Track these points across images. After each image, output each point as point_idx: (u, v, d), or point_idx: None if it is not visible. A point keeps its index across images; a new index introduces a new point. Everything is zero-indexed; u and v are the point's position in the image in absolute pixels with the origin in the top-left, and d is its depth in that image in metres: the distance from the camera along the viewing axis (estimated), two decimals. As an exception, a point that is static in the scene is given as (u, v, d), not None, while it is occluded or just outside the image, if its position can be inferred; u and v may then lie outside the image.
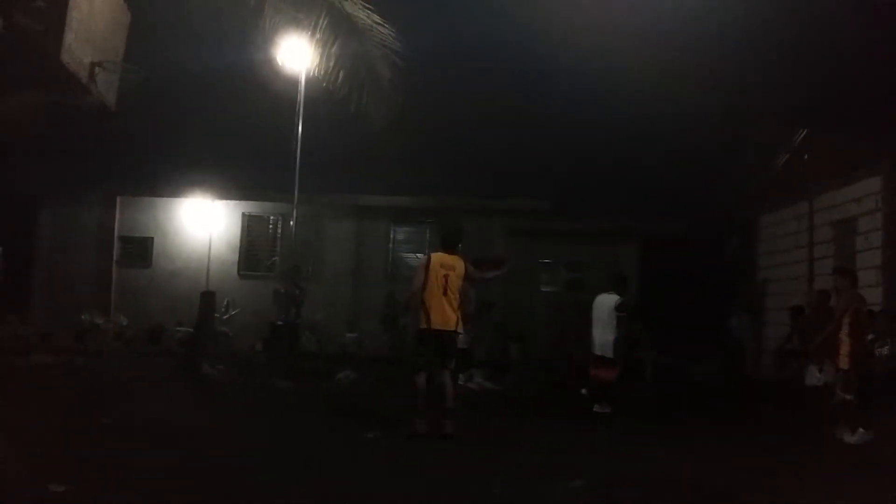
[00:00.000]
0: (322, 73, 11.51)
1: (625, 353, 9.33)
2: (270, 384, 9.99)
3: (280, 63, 12.09)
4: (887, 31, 10.13)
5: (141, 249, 16.40)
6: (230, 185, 15.71)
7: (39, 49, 9.34)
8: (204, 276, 15.71)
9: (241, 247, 16.48)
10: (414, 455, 6.13)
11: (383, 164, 15.39)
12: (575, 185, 15.73)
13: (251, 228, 16.64)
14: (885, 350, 8.49)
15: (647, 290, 15.04)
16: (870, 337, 8.20)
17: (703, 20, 12.54)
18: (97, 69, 10.31)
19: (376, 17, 10.28)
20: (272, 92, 12.91)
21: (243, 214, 16.52)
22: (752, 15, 12.44)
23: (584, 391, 9.48)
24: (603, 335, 8.99)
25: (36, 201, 15.71)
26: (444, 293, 6.74)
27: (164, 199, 16.33)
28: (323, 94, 12.22)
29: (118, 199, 16.43)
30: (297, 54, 11.84)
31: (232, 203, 16.33)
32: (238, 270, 16.32)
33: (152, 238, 16.45)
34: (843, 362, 7.39)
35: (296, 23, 10.42)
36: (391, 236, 16.55)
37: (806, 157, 12.31)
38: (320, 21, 10.05)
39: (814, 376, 9.33)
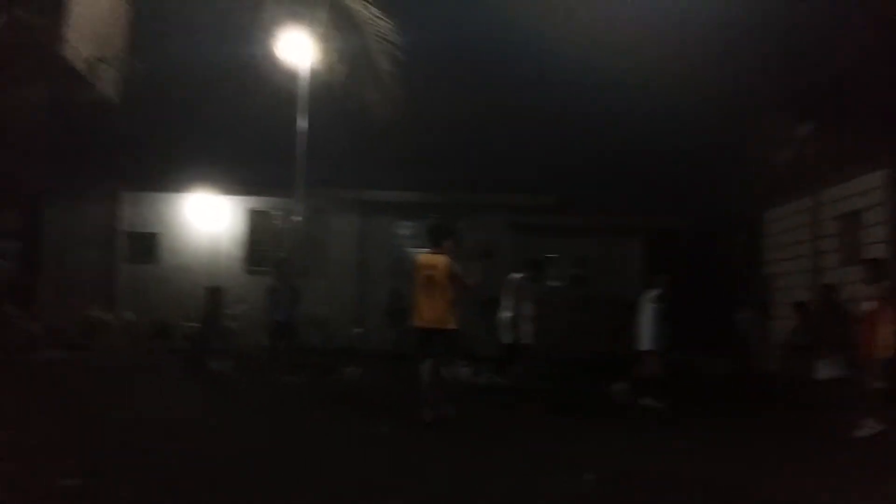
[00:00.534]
0: (324, 67, 11.51)
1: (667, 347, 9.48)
2: (277, 380, 10.00)
3: (282, 57, 12.09)
4: (893, 24, 10.09)
5: (147, 245, 16.42)
6: (235, 180, 15.72)
7: (41, 44, 9.35)
8: (210, 272, 15.73)
9: (246, 242, 16.52)
10: (422, 449, 6.14)
11: (388, 159, 15.38)
12: (580, 180, 15.70)
13: (256, 224, 16.66)
14: None
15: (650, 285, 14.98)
16: None
17: (709, 14, 12.50)
18: (99, 64, 10.32)
19: (375, 11, 10.28)
20: (275, 87, 12.90)
21: (249, 210, 16.54)
22: (757, 8, 12.40)
23: (623, 388, 9.42)
24: (646, 329, 9.29)
25: (41, 197, 15.72)
26: (429, 293, 7.05)
27: (170, 194, 16.35)
28: (325, 88, 12.23)
29: (123, 194, 16.45)
30: (298, 48, 11.82)
31: (237, 199, 16.36)
32: (244, 266, 16.35)
33: (158, 234, 16.49)
34: (882, 351, 7.32)
35: (296, 16, 10.42)
36: (396, 231, 16.56)
37: (811, 151, 12.28)
38: (320, 14, 10.05)
39: (822, 370, 9.30)
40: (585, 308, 15.12)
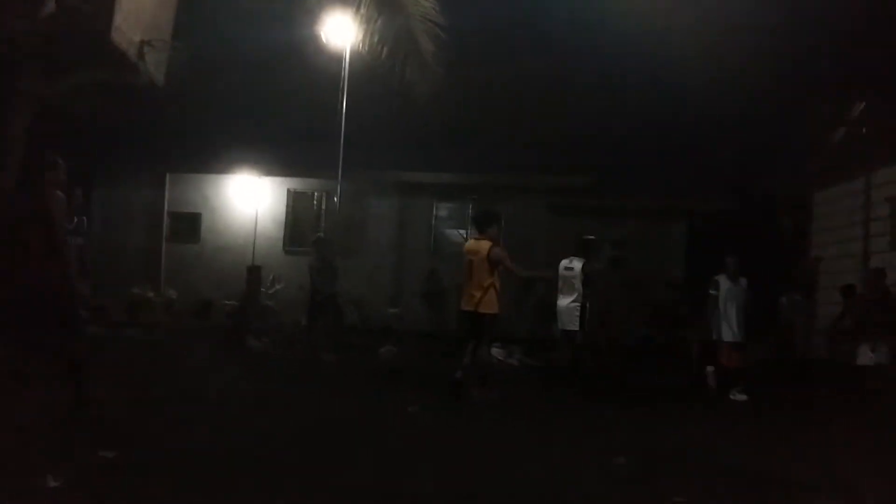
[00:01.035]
0: (366, 48, 11.50)
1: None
2: (314, 358, 10.13)
3: (325, 39, 12.13)
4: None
5: (190, 225, 16.75)
6: (276, 161, 15.89)
7: (90, 29, 9.52)
8: (250, 252, 15.99)
9: (286, 223, 16.71)
10: (454, 430, 6.17)
11: (427, 140, 15.36)
12: (621, 161, 15.44)
13: (296, 204, 16.83)
14: None
15: (694, 269, 14.73)
16: None
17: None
18: (146, 47, 10.47)
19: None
20: (317, 68, 12.97)
21: (288, 191, 16.71)
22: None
23: (710, 379, 9.08)
24: (732, 318, 8.93)
25: (89, 179, 16.12)
26: (470, 277, 7.41)
27: (213, 175, 16.62)
28: (367, 69, 12.24)
29: (168, 175, 16.78)
30: (341, 30, 11.85)
31: (277, 179, 16.53)
32: (283, 246, 16.56)
33: (201, 214, 16.79)
34: None
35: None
36: (434, 212, 16.57)
37: (864, 130, 11.86)
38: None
39: (866, 356, 9.05)
40: (623, 291, 14.94)
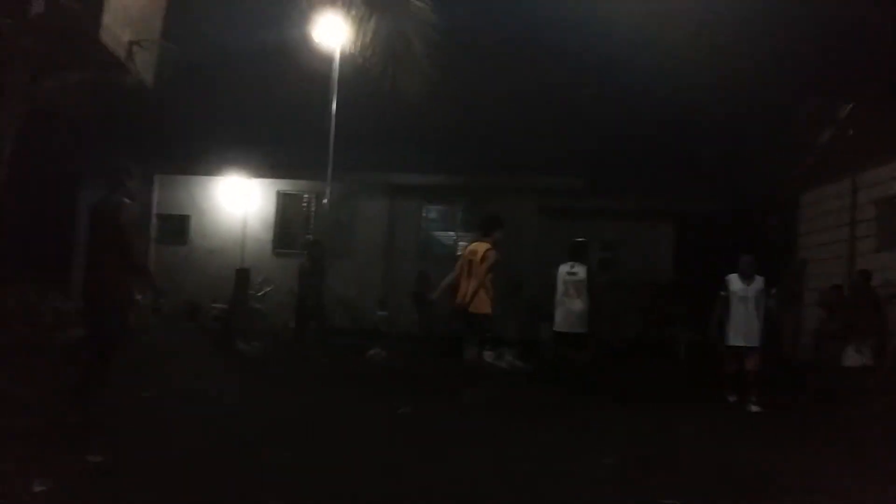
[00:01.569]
0: (357, 49, 11.47)
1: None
2: (303, 360, 10.09)
3: (315, 40, 12.09)
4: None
5: (178, 227, 16.67)
6: (265, 163, 15.84)
7: (79, 29, 9.47)
8: (239, 254, 15.93)
9: (275, 225, 16.66)
10: (444, 431, 6.17)
11: (416, 142, 15.35)
12: (610, 163, 15.50)
13: (285, 206, 16.79)
14: None
15: (682, 269, 14.82)
16: None
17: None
18: (135, 47, 10.41)
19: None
20: (307, 69, 12.93)
21: (277, 192, 16.66)
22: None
23: (731, 399, 8.53)
24: (741, 322, 8.42)
25: (76, 179, 16.00)
26: (466, 277, 7.45)
27: (201, 177, 16.54)
28: (357, 71, 12.21)
29: (156, 177, 16.68)
30: (332, 31, 11.81)
31: (266, 181, 16.48)
32: (272, 248, 16.50)
33: (189, 216, 16.71)
34: None
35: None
36: (423, 214, 16.56)
37: (850, 132, 11.96)
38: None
39: (851, 357, 9.13)
40: (613, 292, 14.99)
